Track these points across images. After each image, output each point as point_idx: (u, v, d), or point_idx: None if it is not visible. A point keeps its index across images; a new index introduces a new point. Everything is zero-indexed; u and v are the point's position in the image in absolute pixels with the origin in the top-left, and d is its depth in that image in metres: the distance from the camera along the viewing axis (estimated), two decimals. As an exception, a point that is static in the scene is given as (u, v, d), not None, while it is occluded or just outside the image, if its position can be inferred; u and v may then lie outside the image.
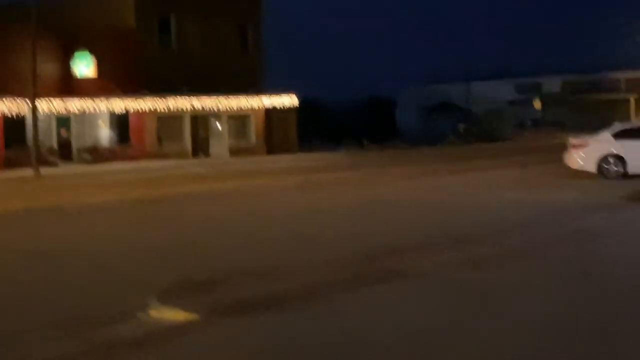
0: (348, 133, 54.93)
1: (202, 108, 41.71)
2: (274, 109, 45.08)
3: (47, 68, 36.59)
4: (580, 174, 21.92)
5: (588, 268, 9.35)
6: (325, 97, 74.80)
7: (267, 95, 44.77)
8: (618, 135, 22.05)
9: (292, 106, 45.74)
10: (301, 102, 47.10)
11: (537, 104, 72.02)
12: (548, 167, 24.78)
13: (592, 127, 23.75)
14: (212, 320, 7.30)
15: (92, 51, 39.18)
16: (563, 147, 23.43)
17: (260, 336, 6.76)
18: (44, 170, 32.14)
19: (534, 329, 6.71)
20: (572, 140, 23.37)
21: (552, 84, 79.74)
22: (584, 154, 22.26)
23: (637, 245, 11.04)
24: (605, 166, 21.73)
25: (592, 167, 21.97)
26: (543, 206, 15.78)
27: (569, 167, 22.56)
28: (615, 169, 21.60)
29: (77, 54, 38.75)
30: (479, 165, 29.89)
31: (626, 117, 66.58)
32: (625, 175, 21.28)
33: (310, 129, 52.41)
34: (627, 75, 76.37)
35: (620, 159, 21.62)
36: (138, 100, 39.06)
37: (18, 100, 34.62)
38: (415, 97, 77.18)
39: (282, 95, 45.10)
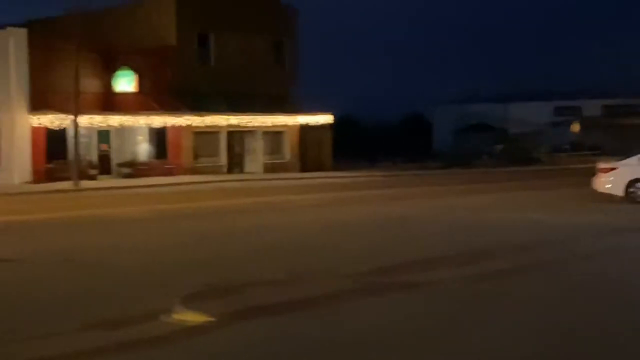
0: (382, 151, 55.43)
1: (238, 124, 42.55)
2: (309, 126, 45.75)
3: (89, 84, 37.68)
4: (608, 198, 22.17)
5: (584, 284, 9.77)
6: (362, 115, 75.50)
7: (303, 113, 45.47)
8: (646, 160, 22.25)
9: (327, 123, 46.37)
10: (337, 119, 47.67)
11: (576, 127, 71.80)
12: (579, 190, 25.04)
13: (632, 151, 23.93)
14: (228, 322, 7.90)
15: (133, 68, 40.23)
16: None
17: (271, 337, 7.36)
18: (84, 183, 33.16)
19: (523, 335, 7.20)
20: (601, 164, 23.63)
21: (592, 107, 79.47)
22: (612, 177, 22.49)
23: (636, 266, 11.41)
24: (633, 190, 21.95)
25: (619, 192, 22.17)
26: (562, 227, 16.16)
27: (598, 191, 22.81)
28: (643, 193, 21.80)
29: (118, 71, 39.82)
30: (509, 186, 30.23)
31: (664, 142, 66.16)
32: (653, 201, 21.49)
33: (345, 146, 53.00)
34: (667, 99, 75.93)
35: (648, 184, 21.82)
36: (176, 116, 40.03)
37: (61, 115, 35.73)
38: (451, 116, 77.39)
39: (318, 113, 45.76)
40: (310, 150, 46.74)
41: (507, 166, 52.21)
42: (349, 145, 56.04)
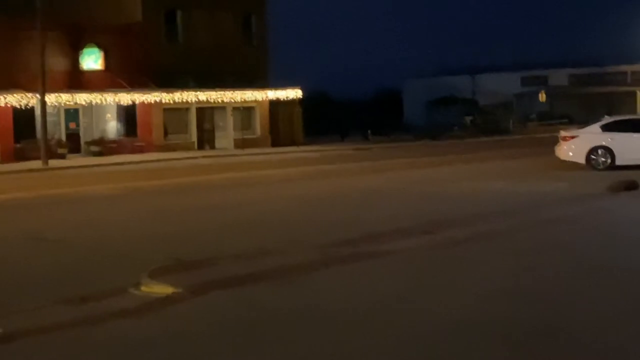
0: (354, 126, 55.64)
1: (208, 100, 42.50)
2: (279, 101, 45.81)
3: (56, 62, 37.43)
4: (571, 166, 22.60)
5: (541, 250, 10.08)
6: (332, 90, 75.61)
7: (272, 89, 45.51)
8: (606, 128, 22.73)
9: (297, 98, 46.44)
10: (307, 94, 47.75)
11: (543, 97, 72.44)
12: (544, 159, 25.46)
13: (599, 120, 24.40)
14: (197, 294, 8.08)
15: (100, 45, 39.98)
16: (561, 140, 24.08)
17: (236, 306, 7.58)
18: (53, 162, 33.05)
19: (474, 299, 7.48)
20: (563, 132, 24.08)
21: (559, 77, 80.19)
22: (574, 145, 22.93)
23: (597, 231, 11.71)
24: (594, 158, 22.39)
25: (581, 159, 22.63)
26: (525, 195, 16.51)
27: (561, 159, 23.24)
28: (603, 160, 22.27)
29: (85, 49, 39.54)
30: (477, 157, 30.62)
31: (632, 110, 67.05)
32: (613, 167, 21.94)
33: (316, 121, 53.16)
34: (634, 68, 76.78)
35: (608, 151, 22.28)
36: (145, 93, 39.88)
37: (28, 94, 35.49)
38: (421, 89, 77.73)
39: (287, 88, 45.82)
40: (281, 125, 46.84)
41: (477, 137, 52.73)
42: (321, 120, 56.19)
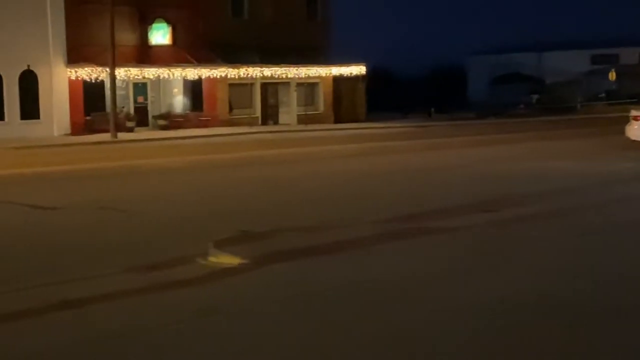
0: (416, 102, 55.37)
1: (272, 76, 42.79)
2: (343, 77, 45.83)
3: (125, 36, 38.10)
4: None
5: (596, 230, 10.04)
6: (396, 66, 75.18)
7: (336, 65, 45.54)
8: (679, 107, 22.20)
9: (360, 74, 46.39)
10: (371, 70, 47.63)
11: (613, 76, 70.80)
12: (613, 138, 25.00)
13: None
14: (260, 264, 8.33)
15: (168, 20, 40.52)
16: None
17: (297, 278, 7.81)
18: (121, 135, 33.82)
19: (532, 277, 7.54)
20: (634, 111, 23.57)
21: (630, 55, 78.25)
22: (645, 125, 22.47)
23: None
24: (665, 138, 21.94)
25: (651, 139, 22.18)
26: (592, 175, 16.35)
27: (631, 140, 22.81)
28: (675, 140, 21.80)
29: (154, 24, 40.13)
30: (543, 136, 30.28)
31: None
32: (684, 148, 21.48)
33: (379, 98, 53.04)
34: None
35: (679, 131, 21.80)
36: (211, 68, 40.37)
37: (98, 68, 36.29)
38: (485, 66, 76.68)
39: (351, 64, 45.79)
40: (343, 102, 46.90)
41: (543, 116, 51.94)
42: (383, 97, 56.04)
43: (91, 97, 37.30)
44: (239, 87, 42.46)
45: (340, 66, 45.46)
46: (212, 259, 8.67)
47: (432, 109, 51.81)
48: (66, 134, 35.88)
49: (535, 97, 65.13)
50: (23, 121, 35.65)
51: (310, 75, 44.26)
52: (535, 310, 6.49)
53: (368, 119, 46.51)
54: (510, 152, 23.27)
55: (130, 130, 36.95)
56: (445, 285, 7.39)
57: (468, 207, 11.97)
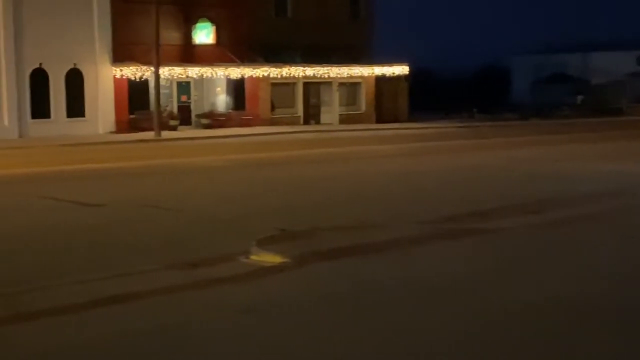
0: (459, 103, 54.98)
1: (314, 76, 42.81)
2: (385, 77, 45.69)
3: (169, 36, 38.41)
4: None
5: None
6: (439, 66, 74.65)
7: (379, 64, 45.42)
8: None
9: (402, 74, 46.20)
10: (413, 70, 47.40)
11: (660, 77, 69.46)
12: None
13: None
14: (303, 263, 8.32)
15: (212, 19, 40.76)
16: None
17: (339, 277, 7.78)
18: (165, 133, 34.11)
19: (575, 279, 7.41)
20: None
21: (678, 56, 76.72)
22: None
23: None
24: None
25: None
26: (638, 177, 16.06)
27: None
28: None
29: (198, 23, 40.41)
30: (588, 137, 29.87)
31: None
32: None
33: (421, 97, 52.75)
34: None
35: None
36: (254, 67, 40.53)
37: (142, 67, 36.66)
38: (529, 66, 75.86)
39: (394, 64, 45.63)
40: (385, 102, 46.74)
41: (588, 117, 51.21)
42: (425, 97, 55.72)
43: (135, 95, 37.68)
44: (281, 87, 42.56)
45: (383, 66, 45.32)
46: (253, 257, 8.68)
47: (475, 110, 51.39)
48: (111, 132, 36.30)
49: (579, 98, 64.26)
50: (69, 119, 36.14)
51: (353, 75, 44.20)
52: (582, 313, 6.39)
53: (410, 119, 46.30)
54: (555, 153, 22.99)
55: (174, 128, 37.25)
56: (491, 286, 7.30)
57: (513, 208, 11.83)
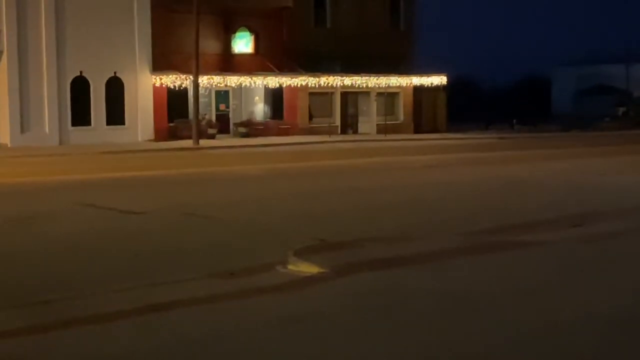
0: (500, 114, 54.61)
1: (352, 85, 42.79)
2: (424, 87, 45.52)
3: (209, 45, 38.71)
4: None
5: None
6: (479, 76, 74.32)
7: (417, 75, 45.28)
8: None
9: (441, 84, 46.00)
10: (451, 80, 47.19)
11: None
12: None
13: None
14: (341, 274, 8.24)
15: (251, 29, 41.01)
16: None
17: (378, 289, 7.67)
18: (203, 142, 34.32)
19: (620, 295, 7.23)
20: None
21: None
22: None
23: None
24: None
25: None
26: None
27: None
28: None
29: (237, 32, 40.65)
30: (630, 150, 29.41)
31: None
32: None
33: (460, 108, 52.48)
34: None
35: None
36: (292, 77, 40.63)
37: (182, 76, 36.95)
38: (571, 78, 75.13)
39: (432, 74, 45.46)
40: (424, 112, 46.58)
41: (630, 129, 50.51)
42: (465, 107, 55.44)
43: (174, 103, 38.00)
44: (320, 96, 42.61)
45: (421, 76, 45.18)
46: (291, 267, 8.63)
47: (515, 121, 50.97)
48: (150, 140, 36.62)
49: (621, 109, 63.49)
50: (109, 127, 36.55)
51: (391, 84, 44.11)
52: (625, 329, 6.22)
53: (449, 129, 46.05)
54: (595, 165, 22.67)
55: (212, 137, 37.47)
56: (531, 300, 7.15)
57: (553, 221, 11.64)
